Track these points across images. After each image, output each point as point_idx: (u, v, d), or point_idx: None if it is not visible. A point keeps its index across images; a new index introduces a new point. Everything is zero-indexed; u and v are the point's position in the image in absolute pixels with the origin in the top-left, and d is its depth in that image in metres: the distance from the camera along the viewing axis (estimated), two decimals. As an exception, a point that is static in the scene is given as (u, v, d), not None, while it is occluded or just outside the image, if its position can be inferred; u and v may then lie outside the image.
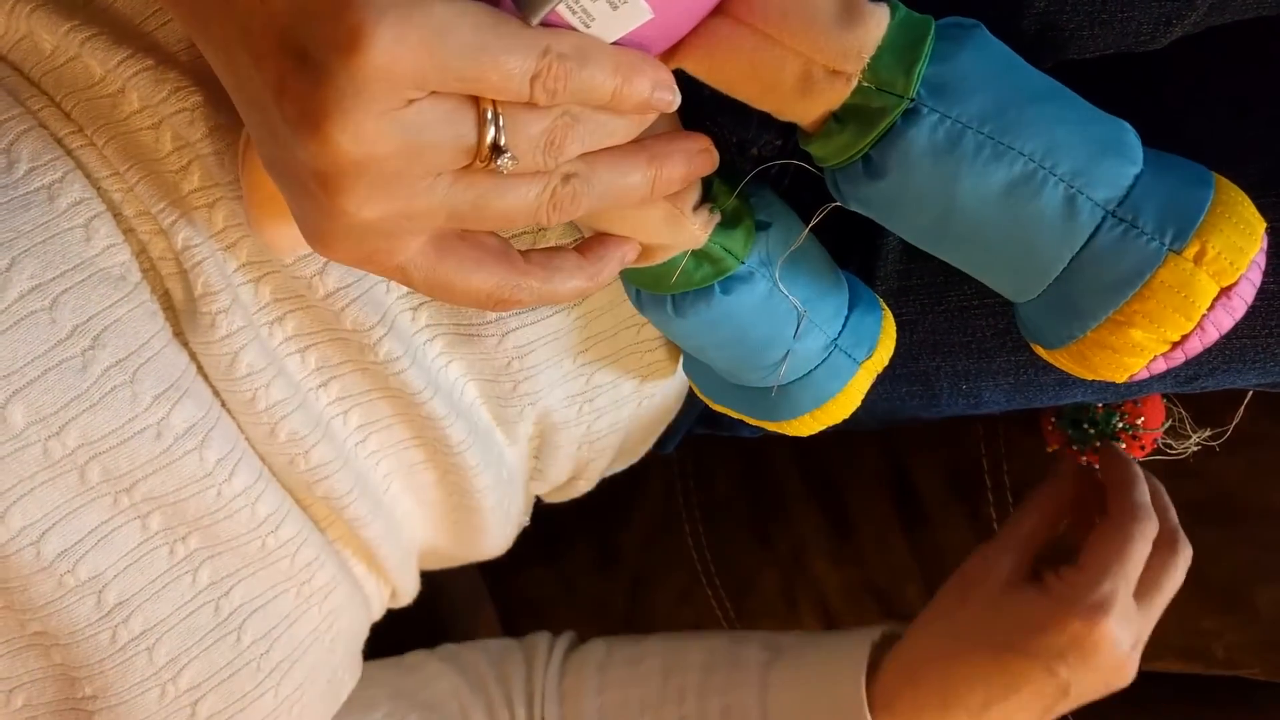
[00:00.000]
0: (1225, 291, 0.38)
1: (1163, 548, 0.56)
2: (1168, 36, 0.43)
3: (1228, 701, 0.67)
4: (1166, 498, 0.58)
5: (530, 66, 0.31)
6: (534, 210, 0.36)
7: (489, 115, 0.32)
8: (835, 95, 0.38)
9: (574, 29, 0.33)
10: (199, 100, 0.42)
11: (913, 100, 0.37)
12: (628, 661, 0.59)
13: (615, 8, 0.32)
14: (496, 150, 0.32)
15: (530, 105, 0.33)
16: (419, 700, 0.58)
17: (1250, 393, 0.59)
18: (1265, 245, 0.39)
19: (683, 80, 0.38)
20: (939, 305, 0.52)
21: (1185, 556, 0.56)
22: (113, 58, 0.43)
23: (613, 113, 0.35)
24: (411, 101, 0.31)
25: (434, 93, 0.31)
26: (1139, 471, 0.57)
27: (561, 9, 0.32)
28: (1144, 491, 0.56)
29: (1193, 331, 0.38)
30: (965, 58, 0.38)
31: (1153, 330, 0.38)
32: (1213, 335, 0.39)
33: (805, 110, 0.38)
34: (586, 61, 0.33)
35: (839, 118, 0.38)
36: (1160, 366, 0.40)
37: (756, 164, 0.44)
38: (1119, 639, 0.52)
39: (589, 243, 0.41)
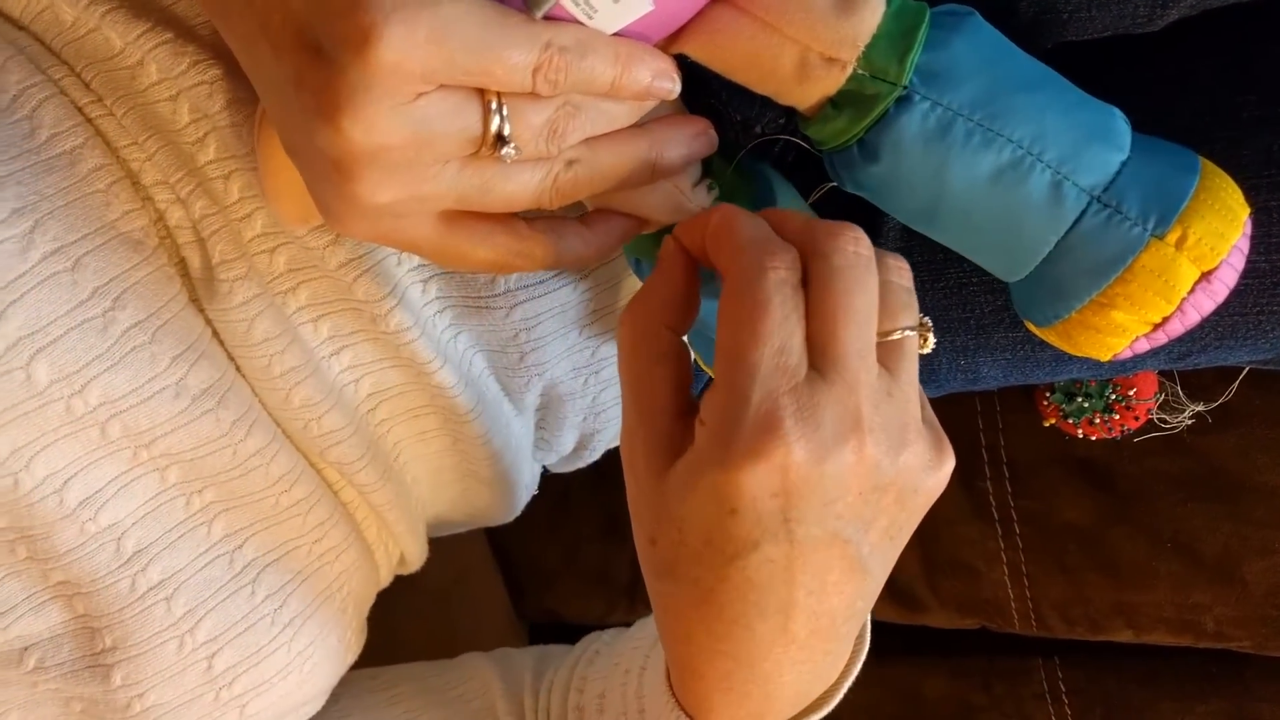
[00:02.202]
0: (1206, 276, 0.39)
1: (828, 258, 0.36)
2: (1164, 18, 0.44)
3: (1220, 675, 0.67)
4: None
5: (532, 59, 0.33)
6: (537, 194, 0.37)
7: (493, 107, 0.33)
8: (831, 82, 0.39)
9: (577, 22, 0.34)
10: (218, 73, 0.43)
11: (905, 88, 0.38)
12: (607, 654, 0.56)
13: (616, 0, 0.33)
14: (501, 140, 0.34)
15: (533, 96, 0.34)
16: (447, 698, 0.58)
17: (1245, 370, 0.60)
18: (1249, 230, 0.39)
19: (687, 59, 0.39)
20: (938, 282, 0.52)
21: (853, 254, 0.36)
22: (132, 30, 0.44)
23: (614, 99, 0.36)
24: (420, 95, 0.32)
25: (442, 86, 0.33)
26: (732, 211, 0.37)
27: (565, 2, 0.33)
28: (749, 226, 0.37)
29: (1173, 314, 0.39)
30: (958, 45, 0.38)
31: (1134, 312, 0.39)
32: (1193, 318, 0.39)
33: (803, 95, 0.39)
34: (587, 53, 0.34)
35: (835, 103, 0.39)
36: (1143, 346, 0.41)
37: (760, 142, 0.45)
38: (828, 447, 0.34)
39: (592, 216, 0.42)
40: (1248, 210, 0.39)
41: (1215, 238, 0.38)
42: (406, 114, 0.32)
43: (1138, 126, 0.40)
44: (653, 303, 0.38)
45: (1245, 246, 0.40)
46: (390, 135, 0.33)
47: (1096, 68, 0.44)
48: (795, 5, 0.37)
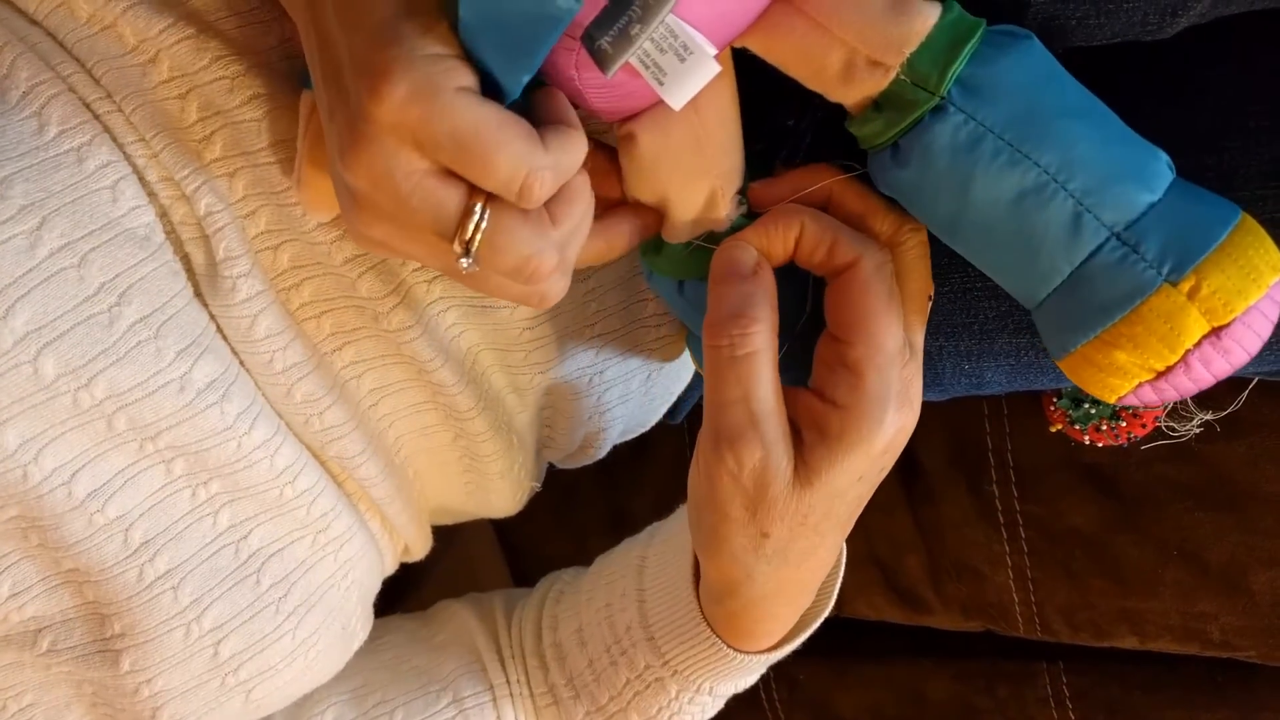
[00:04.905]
0: (1216, 331, 0.37)
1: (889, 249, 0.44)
2: (1174, 26, 0.43)
3: (1226, 683, 0.67)
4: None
5: (519, 176, 0.35)
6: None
7: (475, 212, 0.36)
8: (874, 84, 0.39)
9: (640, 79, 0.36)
10: (239, 69, 0.44)
11: (942, 98, 0.38)
12: (572, 593, 0.59)
13: (683, 60, 0.36)
14: (466, 250, 0.37)
15: (522, 220, 0.37)
16: (431, 645, 0.59)
17: (1254, 380, 0.59)
18: (1277, 296, 0.38)
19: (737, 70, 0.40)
20: (942, 286, 0.52)
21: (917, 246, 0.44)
22: (153, 26, 0.44)
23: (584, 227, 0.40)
24: (422, 169, 0.36)
25: (443, 171, 0.36)
26: (827, 218, 0.43)
27: (634, 62, 0.36)
28: (847, 228, 0.43)
29: (1177, 365, 0.38)
30: (1004, 64, 0.39)
31: (1136, 355, 0.39)
32: (1202, 375, 0.38)
33: (847, 94, 0.40)
34: (567, 171, 0.37)
35: (878, 104, 0.40)
36: (1149, 396, 0.40)
37: (775, 139, 0.46)
38: (916, 410, 0.43)
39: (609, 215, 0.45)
40: (1277, 274, 0.38)
41: (1231, 293, 0.37)
42: (399, 178, 0.36)
43: (1146, 135, 0.40)
44: (765, 315, 0.42)
45: (1271, 312, 0.38)
46: (378, 188, 0.36)
47: (1106, 75, 0.43)
48: (848, 7, 0.38)
